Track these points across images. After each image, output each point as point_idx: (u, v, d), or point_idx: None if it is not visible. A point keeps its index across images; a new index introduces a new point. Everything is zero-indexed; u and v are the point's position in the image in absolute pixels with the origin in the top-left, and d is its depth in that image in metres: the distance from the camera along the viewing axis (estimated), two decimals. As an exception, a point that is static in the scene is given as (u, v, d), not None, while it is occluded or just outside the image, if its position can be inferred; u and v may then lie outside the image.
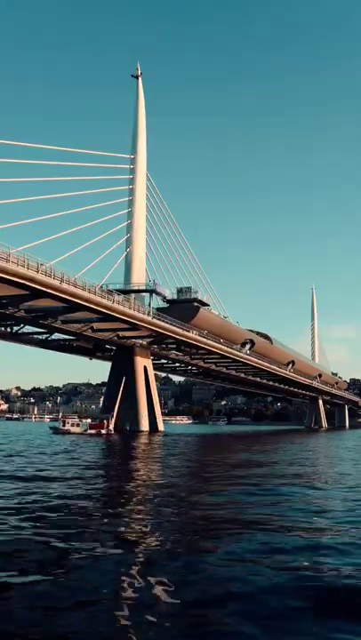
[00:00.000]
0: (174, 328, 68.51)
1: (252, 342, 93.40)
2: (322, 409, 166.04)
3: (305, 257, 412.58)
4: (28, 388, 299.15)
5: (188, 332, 71.80)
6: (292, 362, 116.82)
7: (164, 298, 72.63)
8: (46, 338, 70.80)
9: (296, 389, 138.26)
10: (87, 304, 55.62)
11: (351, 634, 5.93)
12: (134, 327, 65.40)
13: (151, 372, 77.33)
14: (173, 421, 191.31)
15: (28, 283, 48.55)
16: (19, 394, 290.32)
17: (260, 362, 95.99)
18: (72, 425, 73.36)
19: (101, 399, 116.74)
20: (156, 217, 75.25)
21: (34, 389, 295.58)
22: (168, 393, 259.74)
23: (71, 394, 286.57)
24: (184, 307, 72.32)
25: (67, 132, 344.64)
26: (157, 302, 71.91)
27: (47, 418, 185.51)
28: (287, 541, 9.86)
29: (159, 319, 66.74)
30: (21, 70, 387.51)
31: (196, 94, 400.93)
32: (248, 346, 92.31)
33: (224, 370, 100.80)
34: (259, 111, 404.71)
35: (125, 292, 67.13)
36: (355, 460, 31.68)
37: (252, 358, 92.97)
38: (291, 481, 19.38)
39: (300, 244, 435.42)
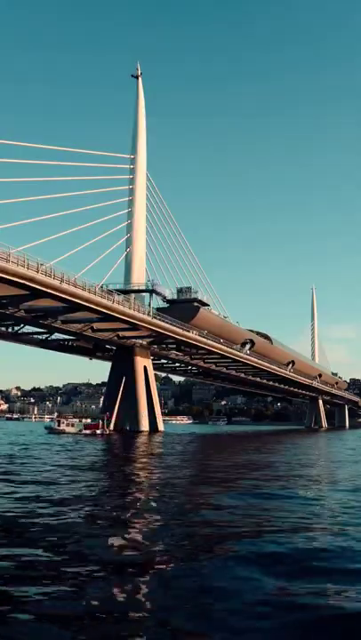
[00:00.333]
0: (174, 328, 68.53)
1: (252, 342, 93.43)
2: (322, 409, 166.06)
3: (305, 257, 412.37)
4: (28, 387, 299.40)
5: (188, 331, 71.83)
6: (292, 362, 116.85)
7: (164, 298, 72.67)
8: (46, 338, 70.81)
9: (296, 389, 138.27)
10: (87, 304, 55.64)
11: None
12: (134, 327, 65.42)
13: (151, 372, 77.35)
14: (173, 421, 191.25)
15: (28, 283, 48.57)
16: (19, 394, 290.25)
17: (260, 362, 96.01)
18: (67, 425, 73.51)
19: (101, 399, 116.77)
20: (156, 217, 75.41)
21: (34, 389, 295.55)
22: (168, 393, 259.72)
23: (71, 394, 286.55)
24: (184, 307, 72.34)
25: (67, 132, 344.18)
26: (157, 302, 72.06)
27: (47, 418, 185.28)
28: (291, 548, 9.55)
29: (159, 319, 66.76)
30: (21, 70, 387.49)
31: (196, 94, 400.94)
32: (248, 346, 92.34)
33: (224, 370, 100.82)
34: (259, 111, 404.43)
35: (125, 291, 67.16)
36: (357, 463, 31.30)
37: (252, 358, 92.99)
38: (293, 484, 19.04)
39: (300, 244, 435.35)
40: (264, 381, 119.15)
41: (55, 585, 7.53)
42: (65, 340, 73.38)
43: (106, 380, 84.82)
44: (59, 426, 72.56)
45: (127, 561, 8.83)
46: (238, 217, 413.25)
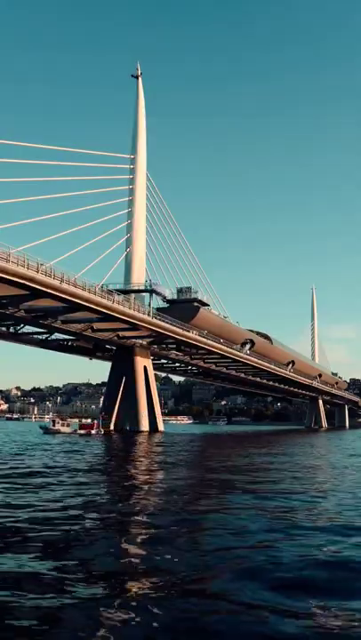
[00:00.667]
0: (174, 328, 68.52)
1: (252, 342, 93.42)
2: (322, 409, 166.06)
3: (305, 257, 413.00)
4: (28, 388, 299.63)
5: (188, 332, 71.82)
6: (292, 362, 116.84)
7: (164, 298, 72.67)
8: (46, 338, 70.81)
9: (296, 389, 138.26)
10: (87, 304, 55.63)
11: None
12: (134, 327, 65.42)
13: (151, 372, 77.34)
14: (173, 421, 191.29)
15: (28, 283, 48.56)
16: (19, 394, 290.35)
17: (260, 362, 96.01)
18: (62, 425, 73.61)
19: (101, 399, 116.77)
20: (156, 217, 75.39)
21: (34, 389, 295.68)
22: (168, 393, 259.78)
23: (71, 394, 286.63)
24: (184, 307, 72.34)
25: (67, 132, 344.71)
26: (157, 302, 72.06)
27: (47, 418, 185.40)
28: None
29: (159, 319, 66.76)
30: (21, 70, 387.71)
31: (196, 94, 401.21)
32: (248, 346, 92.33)
33: (224, 370, 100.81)
34: (259, 111, 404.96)
35: (125, 291, 67.16)
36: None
37: (252, 358, 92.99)
38: (295, 487, 18.69)
39: (300, 244, 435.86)
40: (264, 381, 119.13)
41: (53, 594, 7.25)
42: (65, 339, 73.38)
43: (106, 379, 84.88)
44: (54, 426, 72.75)
45: (126, 571, 8.44)
46: (238, 217, 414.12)
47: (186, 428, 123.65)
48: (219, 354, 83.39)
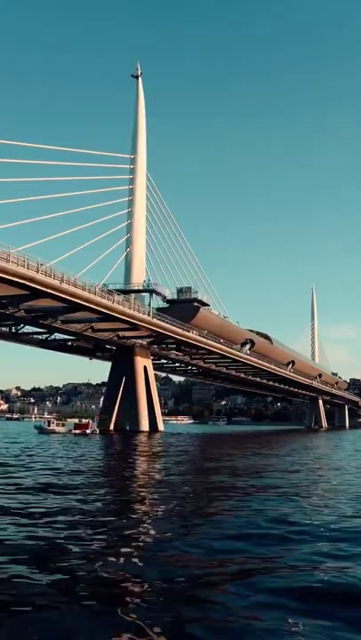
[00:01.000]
0: (174, 328, 68.52)
1: (252, 342, 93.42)
2: (322, 409, 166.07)
3: (305, 257, 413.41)
4: (28, 388, 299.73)
5: (188, 332, 71.81)
6: (292, 362, 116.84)
7: (164, 298, 72.69)
8: (46, 338, 70.81)
9: (296, 389, 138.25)
10: (87, 304, 55.63)
11: None
12: (134, 327, 65.42)
13: (151, 372, 77.34)
14: (173, 421, 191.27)
15: (28, 283, 48.57)
16: (19, 394, 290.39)
17: (260, 362, 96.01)
18: (57, 425, 73.67)
19: (101, 399, 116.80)
20: (156, 217, 75.45)
21: (34, 389, 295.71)
22: (168, 393, 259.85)
23: (71, 394, 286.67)
24: (184, 307, 72.35)
25: (67, 131, 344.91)
26: (157, 302, 72.10)
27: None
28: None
29: (159, 319, 66.76)
30: (21, 70, 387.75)
31: (196, 94, 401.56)
32: (248, 346, 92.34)
33: (224, 370, 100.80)
34: (259, 111, 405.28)
35: (125, 291, 67.17)
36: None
37: (252, 358, 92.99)
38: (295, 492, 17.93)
39: (301, 244, 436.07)
40: (264, 381, 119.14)
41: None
42: (65, 339, 73.38)
43: (106, 380, 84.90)
44: (49, 426, 72.82)
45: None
46: (238, 217, 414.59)
47: (186, 429, 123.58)
48: (219, 354, 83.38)
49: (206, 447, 53.05)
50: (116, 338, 70.14)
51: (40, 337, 70.21)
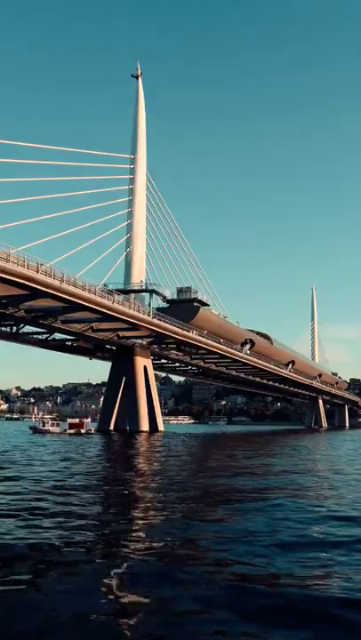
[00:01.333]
0: (174, 328, 68.49)
1: (252, 342, 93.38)
2: (322, 409, 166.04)
3: (305, 257, 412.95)
4: (28, 388, 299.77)
5: (188, 331, 71.79)
6: (292, 362, 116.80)
7: (164, 298, 72.66)
8: (46, 338, 70.78)
9: (296, 389, 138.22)
10: (87, 304, 55.61)
11: None
12: (134, 327, 65.40)
13: (151, 372, 77.30)
14: (174, 421, 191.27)
15: (27, 283, 48.56)
16: (19, 394, 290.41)
17: (260, 362, 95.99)
18: (51, 425, 73.61)
19: (101, 399, 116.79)
20: (156, 217, 75.43)
21: (34, 389, 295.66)
22: (168, 393, 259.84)
23: (71, 394, 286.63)
24: (184, 307, 72.32)
25: (67, 131, 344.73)
26: (157, 302, 72.06)
27: (50, 418, 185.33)
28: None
29: (159, 319, 66.74)
30: (21, 70, 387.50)
31: (197, 94, 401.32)
32: (248, 346, 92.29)
33: (224, 370, 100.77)
34: (259, 111, 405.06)
35: (125, 291, 67.17)
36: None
37: (252, 358, 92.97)
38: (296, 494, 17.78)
39: (301, 244, 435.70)
40: (264, 381, 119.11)
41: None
42: (65, 339, 73.37)
43: (106, 380, 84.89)
44: (43, 426, 72.74)
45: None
46: (238, 217, 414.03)
47: (186, 429, 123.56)
48: (219, 354, 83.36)
49: (206, 447, 53.05)
50: (116, 338, 70.12)
51: (40, 337, 70.19)
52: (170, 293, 73.46)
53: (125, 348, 73.57)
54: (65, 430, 70.44)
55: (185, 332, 70.85)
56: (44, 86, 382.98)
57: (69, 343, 75.21)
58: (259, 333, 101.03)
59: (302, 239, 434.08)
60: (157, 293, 71.30)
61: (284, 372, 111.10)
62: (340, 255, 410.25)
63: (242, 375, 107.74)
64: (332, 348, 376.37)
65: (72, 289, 52.88)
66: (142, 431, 70.05)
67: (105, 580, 8.14)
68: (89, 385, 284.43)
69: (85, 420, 75.14)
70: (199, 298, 74.80)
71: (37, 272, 49.01)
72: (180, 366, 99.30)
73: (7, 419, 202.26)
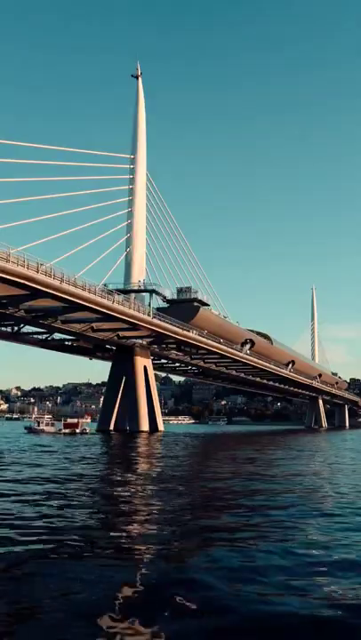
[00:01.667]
0: (174, 328, 68.48)
1: (252, 342, 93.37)
2: (322, 409, 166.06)
3: (305, 257, 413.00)
4: (28, 388, 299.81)
5: (188, 331, 71.77)
6: (292, 362, 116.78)
7: (164, 298, 72.66)
8: (46, 338, 70.77)
9: (296, 389, 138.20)
10: (87, 304, 55.59)
11: None
12: (134, 327, 65.38)
13: (151, 372, 77.28)
14: (174, 421, 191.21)
15: (27, 283, 48.54)
16: (19, 394, 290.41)
17: (260, 362, 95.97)
18: (46, 425, 73.60)
19: (101, 399, 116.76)
20: (156, 217, 75.43)
21: (34, 389, 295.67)
22: (168, 393, 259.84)
23: (71, 394, 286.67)
24: (184, 307, 72.32)
25: (67, 131, 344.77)
26: (157, 302, 72.05)
27: (47, 418, 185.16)
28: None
29: (159, 319, 66.73)
30: (21, 70, 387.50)
31: (196, 94, 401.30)
32: (248, 346, 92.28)
33: (224, 370, 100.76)
34: (259, 111, 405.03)
35: (125, 291, 67.16)
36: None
37: (252, 358, 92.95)
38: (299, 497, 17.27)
39: (301, 244, 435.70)
40: (264, 381, 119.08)
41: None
42: (65, 339, 73.37)
43: (106, 380, 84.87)
44: (38, 426, 72.72)
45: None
46: (238, 217, 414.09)
47: (186, 429, 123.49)
48: (219, 354, 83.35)
49: (206, 448, 52.98)
50: (116, 338, 70.10)
51: (40, 337, 70.17)
52: (170, 293, 73.52)
53: (125, 347, 73.55)
54: (60, 430, 70.39)
55: (185, 332, 70.84)
56: (44, 86, 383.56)
57: (69, 343, 75.21)
58: (259, 333, 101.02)
59: (302, 239, 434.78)
60: (157, 293, 71.29)
61: (284, 371, 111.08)
62: (340, 255, 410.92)
63: (242, 375, 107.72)
64: (332, 348, 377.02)
65: (72, 289, 52.87)
66: (142, 431, 70.03)
67: (101, 590, 7.92)
68: (89, 385, 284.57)
69: (81, 420, 75.03)
70: (199, 298, 74.80)
71: (37, 272, 49.01)
72: (180, 366, 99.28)
73: (7, 419, 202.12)
